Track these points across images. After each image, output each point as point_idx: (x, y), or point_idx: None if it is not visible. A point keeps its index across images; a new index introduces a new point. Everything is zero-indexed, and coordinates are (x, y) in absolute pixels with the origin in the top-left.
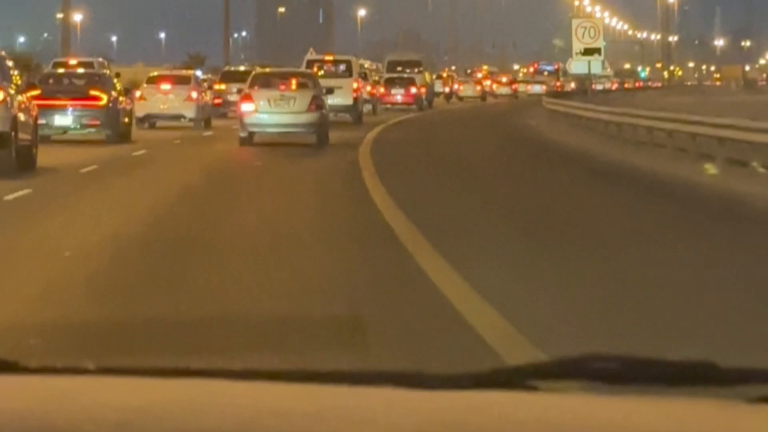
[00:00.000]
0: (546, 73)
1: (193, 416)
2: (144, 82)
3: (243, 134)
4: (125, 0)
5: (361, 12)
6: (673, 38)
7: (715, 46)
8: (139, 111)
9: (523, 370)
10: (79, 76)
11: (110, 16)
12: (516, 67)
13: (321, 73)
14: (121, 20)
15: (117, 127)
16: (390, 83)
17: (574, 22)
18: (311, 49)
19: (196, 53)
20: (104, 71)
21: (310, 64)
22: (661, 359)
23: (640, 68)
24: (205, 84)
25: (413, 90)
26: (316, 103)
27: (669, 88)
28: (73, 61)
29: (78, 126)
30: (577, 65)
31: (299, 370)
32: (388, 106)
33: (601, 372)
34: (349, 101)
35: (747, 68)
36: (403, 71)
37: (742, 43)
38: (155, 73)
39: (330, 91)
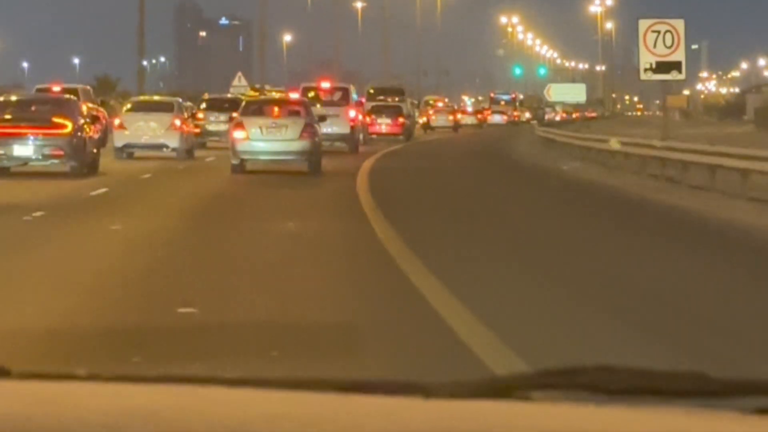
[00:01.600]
0: (502, 102)
1: (181, 421)
2: (124, 109)
3: (235, 162)
4: (37, 25)
5: (287, 38)
6: (600, 68)
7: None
8: (118, 140)
9: (517, 379)
10: (42, 102)
11: (21, 42)
12: (465, 97)
13: (314, 101)
14: (32, 46)
15: (83, 159)
16: (376, 112)
17: (643, 24)
18: (239, 74)
19: (104, 76)
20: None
21: (305, 90)
22: (653, 370)
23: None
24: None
25: (401, 119)
26: (309, 131)
27: (612, 119)
28: (56, 88)
29: (40, 157)
30: (557, 92)
31: (290, 378)
32: (374, 136)
33: (595, 382)
34: (346, 130)
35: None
36: (384, 100)
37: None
38: (137, 100)
39: (323, 118)
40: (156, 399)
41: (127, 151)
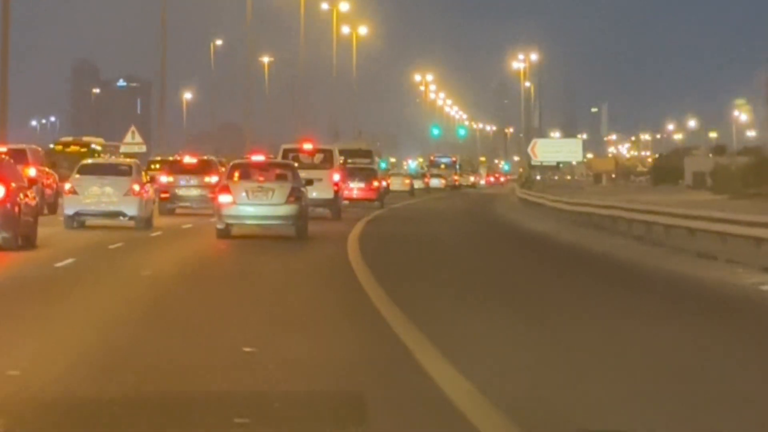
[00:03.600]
0: (443, 165)
1: None
2: (75, 171)
3: (220, 226)
4: None
5: (187, 95)
6: (509, 130)
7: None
8: (69, 207)
9: None
10: None
11: None
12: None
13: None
14: None
15: (16, 230)
16: (349, 175)
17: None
18: (132, 129)
19: None
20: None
21: (286, 153)
22: None
23: (503, 162)
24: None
25: (375, 183)
26: (296, 195)
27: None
28: (1, 148)
29: None
30: (546, 150)
31: None
32: (345, 202)
33: None
34: (329, 195)
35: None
36: (353, 163)
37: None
38: (90, 162)
39: (310, 182)
40: None
41: (78, 219)
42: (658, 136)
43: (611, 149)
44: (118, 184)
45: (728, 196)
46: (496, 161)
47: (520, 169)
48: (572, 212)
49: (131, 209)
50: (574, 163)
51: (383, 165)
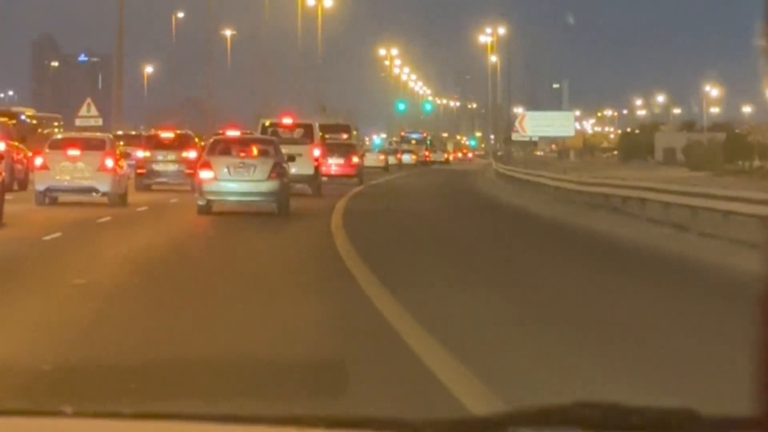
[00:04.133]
0: (413, 141)
1: None
2: (46, 146)
3: (201, 203)
4: None
5: (149, 69)
6: (472, 105)
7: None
8: (40, 183)
9: (509, 416)
10: None
11: None
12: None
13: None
14: None
15: None
16: (327, 151)
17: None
18: (88, 101)
19: None
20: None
21: (265, 128)
22: (643, 407)
23: (466, 138)
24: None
25: (355, 159)
26: (278, 171)
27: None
28: None
29: None
30: (536, 124)
31: (283, 415)
32: (324, 178)
33: (586, 419)
34: (309, 170)
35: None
36: (330, 139)
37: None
38: (62, 136)
39: (291, 158)
40: None
41: (50, 196)
42: (625, 111)
43: (576, 125)
44: (91, 159)
45: (711, 172)
46: (459, 137)
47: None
48: (590, 193)
49: (104, 185)
50: (565, 137)
51: (378, 142)
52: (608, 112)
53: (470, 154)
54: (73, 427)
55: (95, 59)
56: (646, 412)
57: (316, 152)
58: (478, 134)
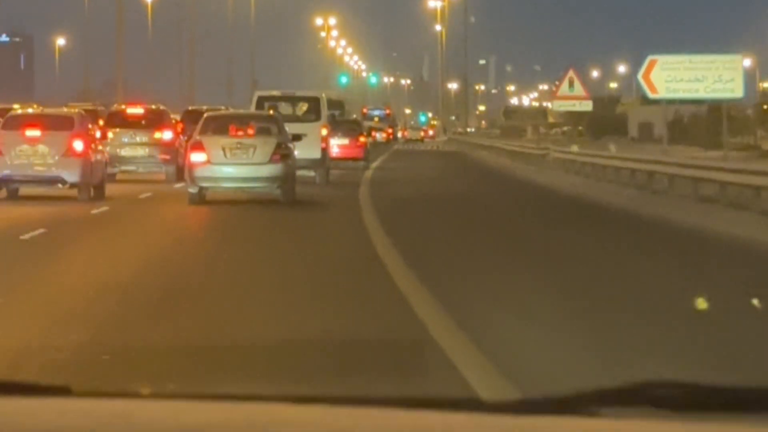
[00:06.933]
0: (376, 118)
1: None
2: (0, 126)
3: (192, 190)
4: None
5: (61, 41)
6: (406, 82)
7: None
8: None
9: (585, 395)
10: None
11: None
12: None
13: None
14: None
15: None
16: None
17: None
18: None
19: None
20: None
21: (261, 101)
22: (724, 385)
23: (420, 113)
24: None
25: (362, 139)
26: (281, 153)
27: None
28: None
29: None
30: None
31: (354, 396)
32: None
33: (664, 399)
34: (316, 154)
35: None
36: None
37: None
38: (19, 113)
39: (297, 138)
40: (218, 416)
41: (8, 188)
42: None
43: (513, 100)
44: (55, 141)
45: (719, 150)
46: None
47: (433, 123)
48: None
49: (72, 174)
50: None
51: (378, 113)
52: (544, 87)
53: (431, 132)
54: (142, 408)
55: (17, 39)
56: (726, 391)
57: (324, 131)
58: (429, 114)
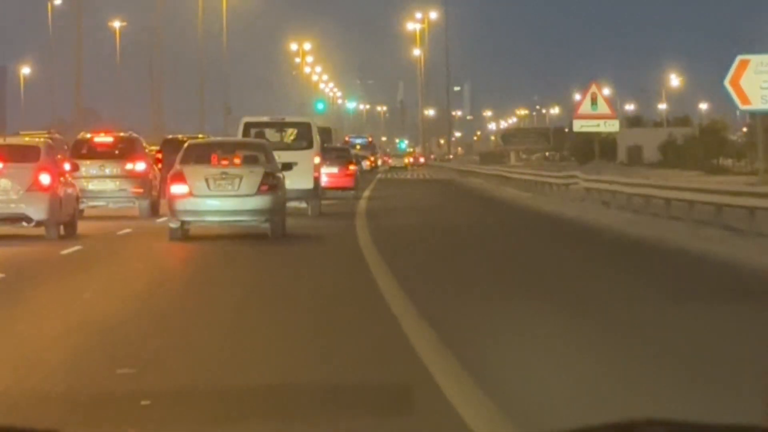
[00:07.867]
0: (358, 146)
1: None
2: None
3: (174, 225)
4: None
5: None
6: (382, 109)
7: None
8: None
9: None
10: None
11: None
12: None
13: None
14: None
15: None
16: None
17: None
18: None
19: None
20: None
21: (248, 127)
22: (712, 424)
23: (398, 140)
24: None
25: (351, 167)
26: (270, 183)
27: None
28: None
29: None
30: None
31: None
32: None
33: None
34: (308, 184)
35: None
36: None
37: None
38: None
39: (287, 167)
40: None
41: None
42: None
43: (491, 125)
44: (19, 174)
45: (719, 173)
46: (398, 140)
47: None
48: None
49: (38, 211)
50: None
51: (361, 141)
52: (523, 112)
53: (422, 159)
54: None
55: None
56: (713, 429)
57: (317, 160)
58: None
